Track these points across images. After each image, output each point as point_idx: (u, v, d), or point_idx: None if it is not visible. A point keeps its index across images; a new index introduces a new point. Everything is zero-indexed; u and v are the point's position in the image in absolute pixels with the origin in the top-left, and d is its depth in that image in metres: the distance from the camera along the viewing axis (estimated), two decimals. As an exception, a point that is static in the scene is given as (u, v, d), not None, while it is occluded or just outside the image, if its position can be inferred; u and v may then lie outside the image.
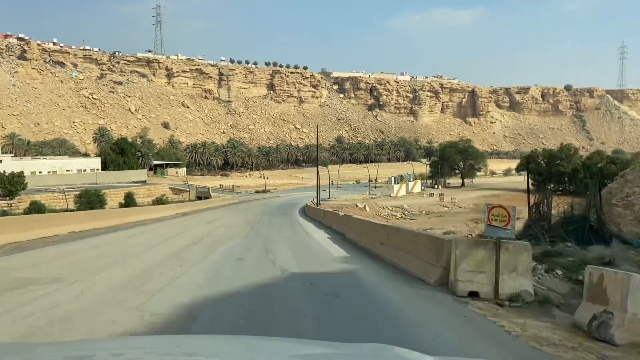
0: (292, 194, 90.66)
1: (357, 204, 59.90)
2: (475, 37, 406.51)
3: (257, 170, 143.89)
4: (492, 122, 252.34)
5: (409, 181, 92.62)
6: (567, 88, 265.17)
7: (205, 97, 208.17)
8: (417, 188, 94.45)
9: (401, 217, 57.96)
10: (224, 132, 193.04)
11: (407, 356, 2.92)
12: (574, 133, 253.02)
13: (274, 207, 54.41)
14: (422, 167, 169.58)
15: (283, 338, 5.00)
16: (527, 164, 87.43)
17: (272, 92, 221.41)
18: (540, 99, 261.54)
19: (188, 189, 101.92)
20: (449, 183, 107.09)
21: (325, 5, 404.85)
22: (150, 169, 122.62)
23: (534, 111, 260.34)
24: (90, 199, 57.20)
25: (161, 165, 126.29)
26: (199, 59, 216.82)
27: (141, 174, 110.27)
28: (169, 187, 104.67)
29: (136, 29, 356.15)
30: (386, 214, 58.37)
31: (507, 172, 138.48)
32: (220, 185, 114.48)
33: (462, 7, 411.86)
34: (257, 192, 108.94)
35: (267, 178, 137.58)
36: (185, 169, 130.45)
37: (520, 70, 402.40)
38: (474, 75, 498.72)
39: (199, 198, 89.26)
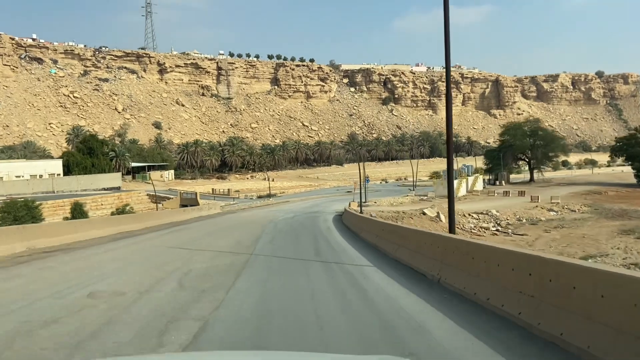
0: (307, 199, 66.51)
1: (425, 211, 35.78)
2: (490, 32, 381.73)
3: (261, 171, 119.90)
4: (519, 114, 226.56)
5: (468, 176, 68.26)
6: (599, 75, 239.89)
7: (203, 94, 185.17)
8: (479, 185, 70.25)
9: (497, 230, 33.71)
10: (223, 131, 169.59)
11: None
12: (610, 123, 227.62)
13: (282, 223, 30.25)
14: (442, 164, 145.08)
15: (292, 352, 4.73)
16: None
17: (276, 87, 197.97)
18: (571, 87, 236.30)
19: (172, 195, 79.06)
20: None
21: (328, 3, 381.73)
22: (129, 173, 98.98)
23: (564, 100, 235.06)
24: (17, 213, 38.15)
25: (143, 168, 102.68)
26: (195, 53, 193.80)
27: (114, 178, 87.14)
28: (147, 194, 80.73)
29: (126, 25, 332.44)
30: (471, 225, 34.05)
31: (588, 163, 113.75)
32: (213, 189, 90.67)
33: (469, 5, 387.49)
34: (260, 197, 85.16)
35: (273, 180, 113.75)
36: (172, 171, 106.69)
37: (546, 58, 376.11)
38: (496, 66, 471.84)
39: (184, 206, 67.38)
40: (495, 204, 45.90)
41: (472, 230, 32.19)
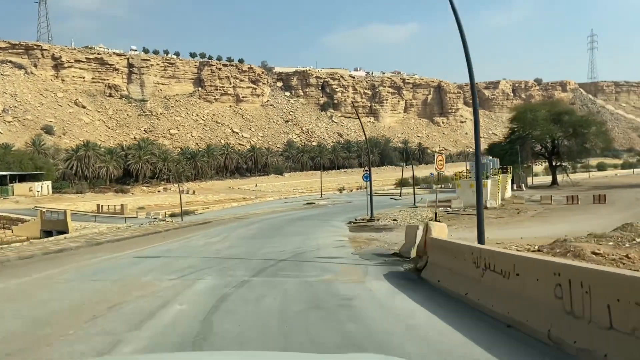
0: (247, 216, 37.44)
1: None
2: (424, 43, 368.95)
3: (179, 182, 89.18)
4: (462, 122, 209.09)
5: (487, 176, 42.05)
6: (538, 82, 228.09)
7: (110, 95, 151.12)
8: (508, 190, 44.54)
9: None
10: (135, 138, 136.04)
11: None
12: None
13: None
14: (399, 172, 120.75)
15: (278, 353, 4.71)
16: None
17: (200, 88, 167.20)
18: (512, 94, 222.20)
19: (30, 217, 49.12)
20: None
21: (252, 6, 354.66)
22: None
23: (506, 108, 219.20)
24: None
25: (3, 178, 69.52)
26: (100, 48, 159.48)
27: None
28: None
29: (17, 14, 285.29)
30: None
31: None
32: (99, 206, 59.67)
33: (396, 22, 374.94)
34: (172, 215, 55.58)
35: (194, 192, 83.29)
36: (50, 183, 73.87)
37: (487, 66, 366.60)
38: (437, 71, 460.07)
39: (48, 232, 38.92)
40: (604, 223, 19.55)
41: None
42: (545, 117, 57.04)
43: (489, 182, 40.07)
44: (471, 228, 23.91)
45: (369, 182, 28.22)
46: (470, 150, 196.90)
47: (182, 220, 44.97)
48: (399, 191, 72.92)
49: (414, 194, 45.38)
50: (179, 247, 16.62)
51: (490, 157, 45.28)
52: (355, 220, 26.30)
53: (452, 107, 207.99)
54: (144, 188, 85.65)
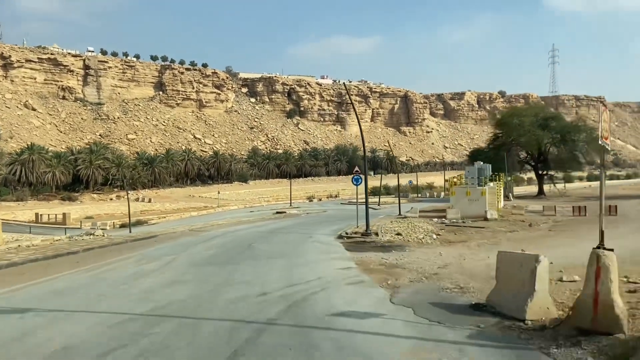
0: (207, 228, 30.69)
1: None
2: (390, 54, 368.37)
3: (134, 189, 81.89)
4: (428, 132, 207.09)
5: (484, 183, 37.09)
6: (502, 94, 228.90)
7: (64, 97, 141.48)
8: (501, 200, 39.58)
9: None
10: (88, 143, 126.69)
11: None
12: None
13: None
14: (371, 180, 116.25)
15: None
16: None
17: (161, 92, 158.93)
18: (477, 105, 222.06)
19: None
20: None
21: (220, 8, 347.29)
22: None
23: (471, 119, 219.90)
24: None
25: None
26: (54, 48, 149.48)
27: None
28: None
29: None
30: None
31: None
32: (37, 215, 52.03)
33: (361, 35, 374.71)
34: (123, 226, 48.87)
35: (150, 200, 76.03)
36: (-16, 189, 65.44)
37: (453, 77, 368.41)
38: (404, 81, 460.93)
39: None
40: None
41: None
42: (532, 122, 52.90)
43: (487, 190, 35.06)
44: (495, 246, 18.48)
45: (364, 187, 22.52)
46: (437, 160, 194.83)
47: (130, 232, 38.14)
48: (374, 200, 67.72)
49: (399, 203, 39.96)
50: (86, 283, 10.36)
51: (482, 163, 40.29)
52: (347, 234, 20.49)
53: (419, 117, 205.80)
54: (95, 196, 77.56)
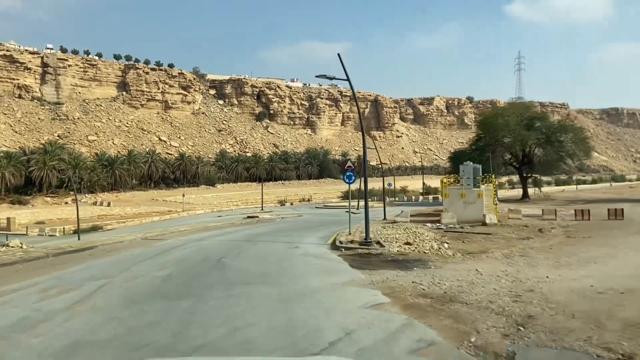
0: (164, 230, 25.86)
1: None
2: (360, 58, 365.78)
3: (92, 192, 76.05)
4: (398, 137, 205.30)
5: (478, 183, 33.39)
6: (470, 99, 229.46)
7: (20, 96, 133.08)
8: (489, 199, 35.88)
9: None
10: (43, 144, 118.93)
11: None
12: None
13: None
14: (343, 185, 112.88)
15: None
16: None
17: (125, 93, 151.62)
18: (445, 110, 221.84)
19: None
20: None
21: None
22: None
23: (440, 124, 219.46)
24: None
25: None
26: (11, 45, 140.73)
27: None
28: None
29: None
30: None
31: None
32: (-24, 220, 46.11)
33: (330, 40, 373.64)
34: (76, 232, 43.26)
35: (109, 204, 70.36)
36: None
37: (422, 81, 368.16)
38: (374, 85, 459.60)
39: None
40: None
41: None
42: (517, 122, 50.01)
43: (484, 192, 31.46)
44: (528, 258, 14.63)
45: (364, 188, 18.50)
46: (407, 164, 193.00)
47: (79, 239, 33.16)
48: (346, 204, 63.91)
49: (384, 207, 36.04)
50: None
51: (471, 163, 36.75)
52: (341, 242, 16.33)
53: (389, 122, 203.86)
54: (48, 199, 71.20)
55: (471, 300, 7.85)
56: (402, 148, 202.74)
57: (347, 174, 19.30)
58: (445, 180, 36.02)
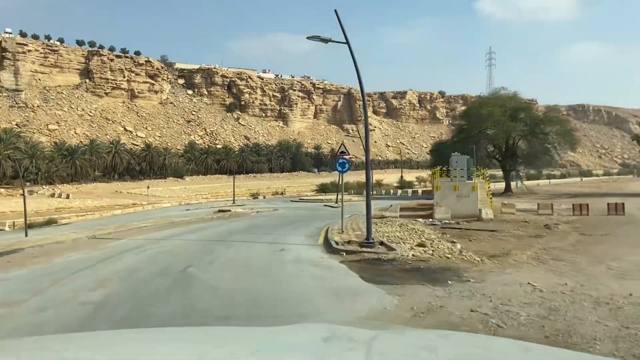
0: (120, 226, 22.07)
1: None
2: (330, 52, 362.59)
3: (50, 183, 70.98)
4: (371, 130, 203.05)
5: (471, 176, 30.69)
6: (442, 94, 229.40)
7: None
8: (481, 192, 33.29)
9: None
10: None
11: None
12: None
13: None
14: (316, 178, 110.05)
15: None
16: None
17: (88, 80, 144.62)
18: (418, 104, 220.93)
19: None
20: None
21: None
22: None
23: (412, 118, 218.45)
24: None
25: None
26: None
27: None
28: None
29: None
30: None
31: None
32: None
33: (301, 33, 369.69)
34: (31, 226, 38.80)
35: (68, 197, 65.64)
36: None
37: (395, 75, 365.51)
38: (347, 78, 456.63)
39: None
40: None
41: None
42: (501, 112, 47.83)
43: (478, 184, 28.83)
44: (565, 263, 11.84)
45: (367, 180, 15.44)
46: (380, 158, 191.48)
47: (26, 235, 29.01)
48: (322, 197, 61.03)
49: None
50: None
51: (458, 154, 34.10)
52: (337, 243, 13.23)
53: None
54: (2, 190, 65.88)
55: (591, 347, 4.85)
56: (375, 142, 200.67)
57: (340, 161, 16.26)
58: (436, 172, 33.34)
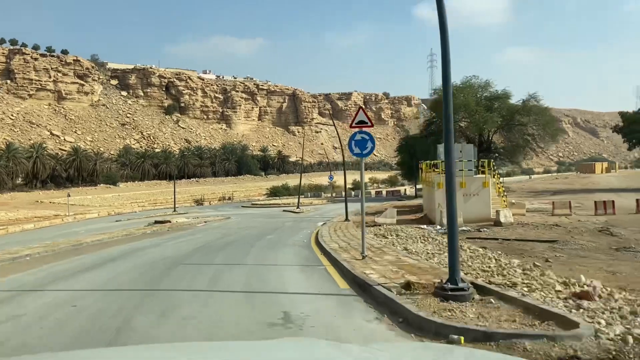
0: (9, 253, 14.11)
1: None
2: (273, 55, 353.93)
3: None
4: (317, 132, 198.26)
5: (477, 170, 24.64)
6: (386, 95, 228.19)
7: None
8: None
9: None
10: None
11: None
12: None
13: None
14: (264, 181, 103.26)
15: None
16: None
17: (9, 81, 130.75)
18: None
19: None
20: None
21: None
22: None
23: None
24: None
25: None
26: None
27: None
28: None
29: None
30: None
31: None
32: None
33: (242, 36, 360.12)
34: None
35: (-27, 210, 55.18)
36: None
37: (340, 76, 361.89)
38: (292, 79, 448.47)
39: None
40: None
41: None
42: (476, 102, 42.91)
43: (490, 181, 23.03)
44: None
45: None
46: (328, 160, 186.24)
47: None
48: (278, 202, 54.34)
49: (346, 205, 26.67)
50: None
51: (441, 144, 28.42)
52: (392, 292, 6.70)
53: (308, 117, 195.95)
54: None
55: None
56: (322, 143, 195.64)
57: (356, 138, 9.65)
58: (424, 167, 27.45)
